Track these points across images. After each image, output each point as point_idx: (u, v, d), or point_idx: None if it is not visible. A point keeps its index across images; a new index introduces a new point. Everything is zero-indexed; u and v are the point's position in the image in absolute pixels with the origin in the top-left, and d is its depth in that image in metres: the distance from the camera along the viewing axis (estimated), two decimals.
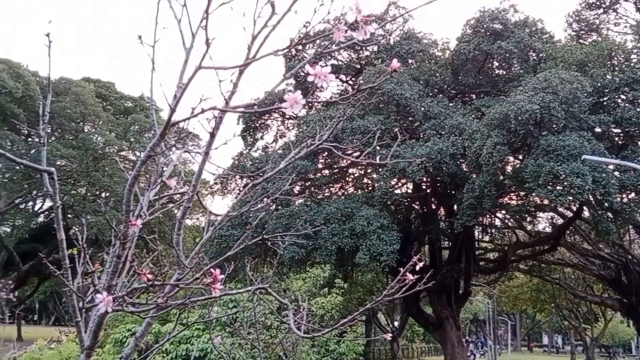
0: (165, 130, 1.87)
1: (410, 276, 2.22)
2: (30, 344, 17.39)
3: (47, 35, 2.33)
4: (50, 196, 2.19)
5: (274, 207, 24.38)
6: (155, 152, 1.94)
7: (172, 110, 1.85)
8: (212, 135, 2.20)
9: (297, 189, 27.34)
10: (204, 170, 2.42)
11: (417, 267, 2.32)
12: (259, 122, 29.85)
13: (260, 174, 2.77)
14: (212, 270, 1.74)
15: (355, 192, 29.28)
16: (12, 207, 39.63)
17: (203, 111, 1.86)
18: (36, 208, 44.02)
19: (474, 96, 27.82)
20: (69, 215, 41.30)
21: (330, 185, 29.27)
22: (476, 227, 29.16)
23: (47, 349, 14.66)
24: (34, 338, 17.70)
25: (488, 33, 25.20)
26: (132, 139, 41.46)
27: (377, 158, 26.79)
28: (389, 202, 25.54)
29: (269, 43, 2.04)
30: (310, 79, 1.83)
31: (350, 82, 30.19)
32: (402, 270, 2.35)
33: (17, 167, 37.48)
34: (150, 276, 1.75)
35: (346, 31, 1.79)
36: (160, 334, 12.95)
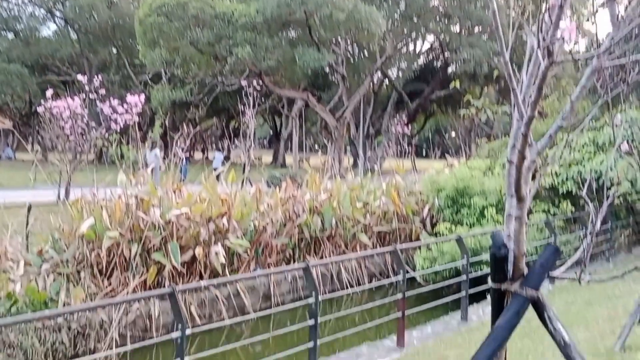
0: None
1: None
2: (423, 172, 19.49)
3: None
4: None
5: None
6: None
7: None
8: None
9: None
10: None
11: None
12: None
13: None
14: None
15: None
16: (397, 51, 43.16)
17: None
18: (416, 50, 47.01)
19: None
20: (446, 53, 43.02)
21: None
22: None
23: (443, 174, 16.20)
24: (426, 168, 19.76)
25: None
26: None
27: None
28: None
29: None
30: None
31: None
32: None
33: (396, 14, 40.10)
34: None
35: None
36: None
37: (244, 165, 17.42)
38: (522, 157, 2.06)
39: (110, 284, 9.54)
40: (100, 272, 9.62)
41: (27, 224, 10.35)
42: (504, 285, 2.25)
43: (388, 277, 12.57)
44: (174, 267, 9.82)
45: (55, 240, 9.92)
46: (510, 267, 2.25)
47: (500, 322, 2.15)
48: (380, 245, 13.94)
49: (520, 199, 2.17)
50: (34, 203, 11.18)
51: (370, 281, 12.69)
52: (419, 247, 12.66)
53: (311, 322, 6.04)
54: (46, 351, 7.69)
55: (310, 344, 6.00)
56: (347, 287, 12.16)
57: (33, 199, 12.14)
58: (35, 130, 40.99)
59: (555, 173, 13.70)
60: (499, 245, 2.24)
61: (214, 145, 60.69)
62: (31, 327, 7.82)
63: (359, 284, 12.53)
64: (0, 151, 46.66)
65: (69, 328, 8.24)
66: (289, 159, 48.15)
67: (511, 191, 2.25)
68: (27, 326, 7.73)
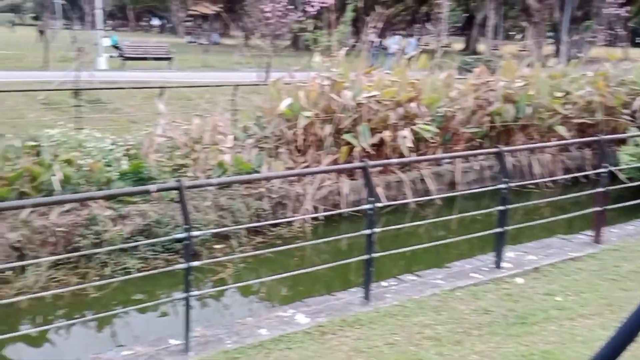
0: None
1: None
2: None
3: None
4: None
5: None
6: None
7: None
8: None
9: None
10: None
11: None
12: None
13: None
14: None
15: None
16: None
17: None
18: None
19: None
20: None
21: None
22: None
23: None
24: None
25: None
26: None
27: None
28: None
29: None
30: None
31: None
32: None
33: None
34: None
35: None
36: None
37: (434, 51, 16.88)
38: None
39: (305, 161, 10.20)
40: (296, 149, 10.30)
41: (233, 102, 11.32)
42: None
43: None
44: (362, 148, 10.15)
45: (258, 117, 10.75)
46: None
47: None
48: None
49: None
50: (239, 83, 12.10)
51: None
52: (625, 141, 11.48)
53: (501, 207, 5.92)
54: (251, 214, 8.63)
55: (499, 230, 5.92)
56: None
57: (237, 79, 13.13)
58: (238, 15, 43.29)
59: None
60: None
61: (404, 31, 59.28)
62: (238, 194, 8.78)
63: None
64: (208, 36, 50.45)
65: (270, 198, 9.09)
66: (482, 47, 45.45)
67: None
68: (235, 192, 8.69)
